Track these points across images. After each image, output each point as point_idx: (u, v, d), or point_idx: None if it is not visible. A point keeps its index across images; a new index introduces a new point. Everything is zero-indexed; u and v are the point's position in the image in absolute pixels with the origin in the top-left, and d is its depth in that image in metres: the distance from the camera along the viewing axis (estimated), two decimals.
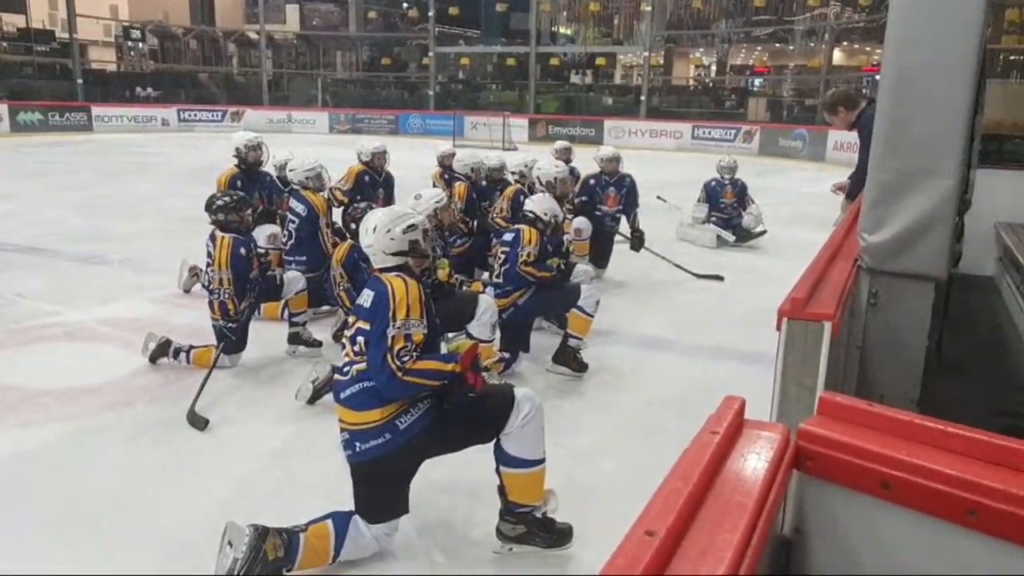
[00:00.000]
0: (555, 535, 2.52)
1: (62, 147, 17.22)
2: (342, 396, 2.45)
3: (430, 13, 26.01)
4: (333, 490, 2.77)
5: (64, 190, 10.65)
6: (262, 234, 5.06)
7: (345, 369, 2.47)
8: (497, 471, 2.47)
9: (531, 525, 2.50)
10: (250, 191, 5.25)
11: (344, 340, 2.53)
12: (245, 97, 26.06)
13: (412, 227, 2.60)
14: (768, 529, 0.90)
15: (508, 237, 4.25)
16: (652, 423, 3.61)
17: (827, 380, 1.65)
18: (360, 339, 2.43)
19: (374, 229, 2.58)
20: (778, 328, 1.73)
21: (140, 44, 28.34)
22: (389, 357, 2.31)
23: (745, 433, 1.05)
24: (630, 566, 0.72)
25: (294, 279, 4.49)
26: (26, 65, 23.26)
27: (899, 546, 1.01)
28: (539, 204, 4.30)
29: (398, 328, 2.33)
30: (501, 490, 2.49)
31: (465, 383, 2.36)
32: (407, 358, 2.33)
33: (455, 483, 2.90)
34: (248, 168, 5.53)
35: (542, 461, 2.48)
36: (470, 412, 2.43)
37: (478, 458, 2.57)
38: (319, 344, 4.45)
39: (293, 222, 5.05)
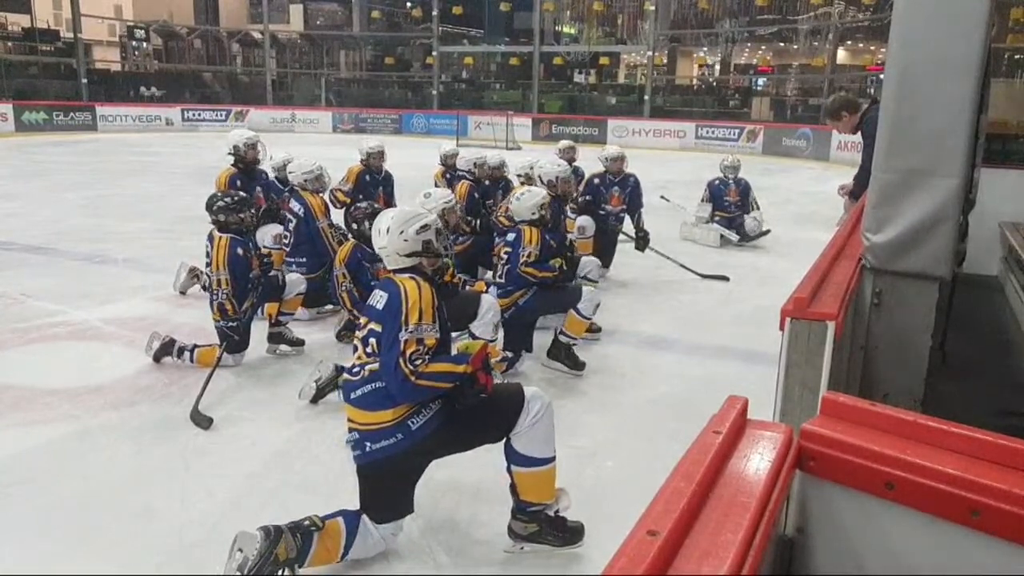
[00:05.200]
0: (567, 533, 2.52)
1: (67, 147, 17.26)
2: (353, 396, 2.44)
3: (434, 12, 26.04)
4: (336, 489, 2.78)
5: (68, 190, 10.68)
6: (268, 234, 5.04)
7: (355, 370, 2.45)
8: (508, 470, 2.47)
9: (543, 523, 2.49)
10: (249, 190, 5.26)
11: (356, 341, 2.51)
12: (249, 97, 26.09)
13: (425, 227, 2.59)
14: (771, 529, 0.89)
15: (510, 237, 4.24)
16: (655, 423, 3.61)
17: (830, 380, 1.65)
18: (372, 340, 2.41)
19: (387, 230, 2.55)
20: (781, 328, 1.73)
21: (144, 44, 28.38)
22: (402, 361, 2.29)
23: (748, 433, 1.05)
24: (632, 566, 0.72)
25: (296, 281, 4.50)
26: (31, 65, 23.32)
27: (902, 546, 1.01)
28: (522, 207, 4.21)
29: (411, 332, 2.32)
30: (513, 489, 2.48)
31: (477, 384, 2.35)
32: (419, 362, 2.31)
33: (459, 483, 2.90)
34: (246, 167, 5.53)
35: (553, 459, 2.46)
36: (481, 412, 2.41)
37: (482, 458, 2.57)
38: (301, 343, 4.45)
39: (291, 222, 5.07)
